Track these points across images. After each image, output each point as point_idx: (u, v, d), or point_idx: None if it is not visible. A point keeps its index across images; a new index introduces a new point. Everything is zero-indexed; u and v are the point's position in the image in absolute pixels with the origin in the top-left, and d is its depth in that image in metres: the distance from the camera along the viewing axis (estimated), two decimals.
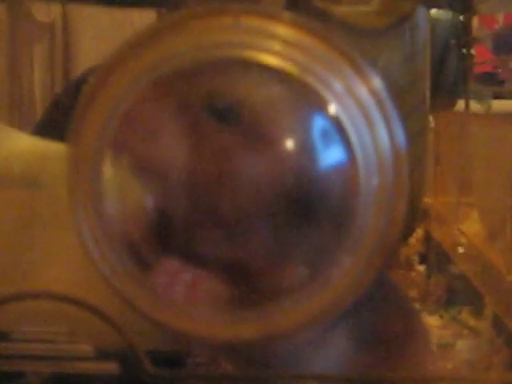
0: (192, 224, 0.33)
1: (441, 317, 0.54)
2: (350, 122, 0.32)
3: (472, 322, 0.53)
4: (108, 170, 0.32)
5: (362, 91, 0.33)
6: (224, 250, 0.33)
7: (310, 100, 0.32)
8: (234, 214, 0.32)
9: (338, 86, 0.32)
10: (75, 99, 0.57)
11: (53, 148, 0.44)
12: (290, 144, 0.32)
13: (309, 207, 0.32)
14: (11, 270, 0.40)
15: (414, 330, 0.42)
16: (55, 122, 0.59)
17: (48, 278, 0.40)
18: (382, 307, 0.39)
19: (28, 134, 0.46)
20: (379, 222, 0.32)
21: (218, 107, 0.32)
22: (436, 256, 0.64)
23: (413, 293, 0.62)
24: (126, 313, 0.35)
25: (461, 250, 0.60)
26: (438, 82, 0.56)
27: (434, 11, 0.54)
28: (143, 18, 0.70)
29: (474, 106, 0.64)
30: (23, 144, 0.45)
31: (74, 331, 0.36)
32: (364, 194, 0.32)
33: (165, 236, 0.33)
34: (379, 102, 0.33)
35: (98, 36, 0.95)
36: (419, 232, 0.67)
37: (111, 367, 0.35)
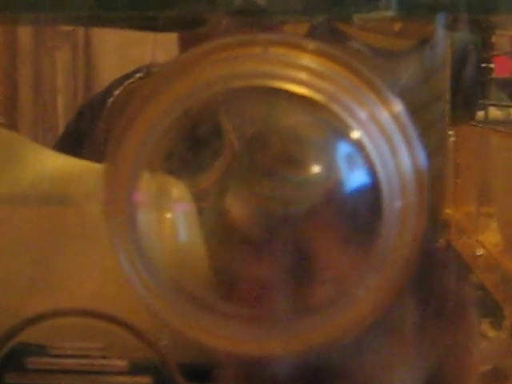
0: (225, 244, 0.34)
1: None
2: (373, 147, 0.34)
3: (492, 332, 0.54)
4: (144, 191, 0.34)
5: (385, 116, 0.34)
6: (254, 268, 0.34)
7: (335, 126, 0.34)
8: (264, 234, 0.34)
9: (361, 112, 0.34)
10: (99, 112, 0.59)
11: (81, 166, 0.46)
12: (316, 168, 0.34)
13: (335, 228, 0.34)
14: (40, 285, 0.41)
15: None
16: (78, 135, 0.60)
17: (76, 292, 0.41)
18: None
19: (55, 151, 0.47)
20: (402, 241, 0.34)
21: (248, 134, 0.33)
22: (456, 266, 0.65)
23: None
24: (156, 326, 0.36)
25: (478, 252, 0.61)
26: (457, 96, 0.57)
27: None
28: (165, 37, 0.72)
29: (494, 112, 0.65)
30: (52, 161, 0.47)
31: (108, 346, 0.37)
32: (387, 216, 0.34)
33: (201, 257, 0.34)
34: (401, 127, 0.35)
35: (121, 47, 0.96)
36: (439, 243, 0.68)
37: (144, 381, 0.37)
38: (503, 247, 0.57)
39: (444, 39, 0.52)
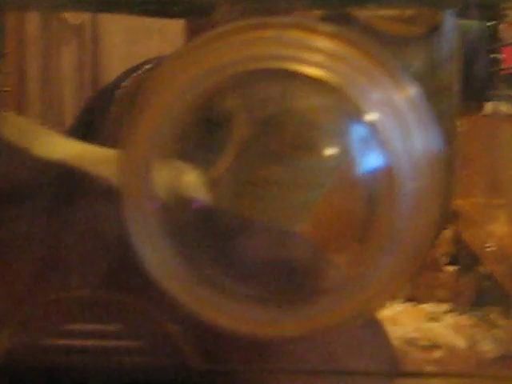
0: (242, 229, 0.34)
1: (470, 316, 0.55)
2: (386, 129, 0.34)
3: (501, 321, 0.54)
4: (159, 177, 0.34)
5: (399, 99, 0.35)
6: (270, 252, 0.34)
7: (349, 108, 0.34)
8: (281, 219, 0.34)
9: (376, 94, 0.34)
10: (108, 103, 0.59)
11: (93, 151, 0.46)
12: (331, 150, 0.34)
13: (348, 210, 0.34)
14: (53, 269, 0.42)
15: None
16: (88, 125, 0.61)
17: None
18: None
19: (75, 140, 0.47)
20: (416, 224, 0.34)
21: (261, 118, 0.33)
22: (465, 257, 0.65)
23: (442, 293, 0.63)
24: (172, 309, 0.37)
25: (487, 243, 0.61)
26: (466, 87, 0.57)
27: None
28: (172, 25, 0.72)
29: (503, 106, 0.65)
30: (64, 147, 0.47)
31: (123, 328, 0.37)
32: (401, 198, 0.34)
33: (216, 238, 0.34)
34: (415, 109, 0.35)
35: (127, 39, 0.97)
36: (447, 233, 0.68)
37: (158, 362, 0.37)
38: None
39: (453, 27, 0.52)
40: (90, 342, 0.37)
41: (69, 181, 0.38)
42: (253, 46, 0.34)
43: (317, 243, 0.35)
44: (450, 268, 0.65)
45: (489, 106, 0.63)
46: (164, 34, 0.83)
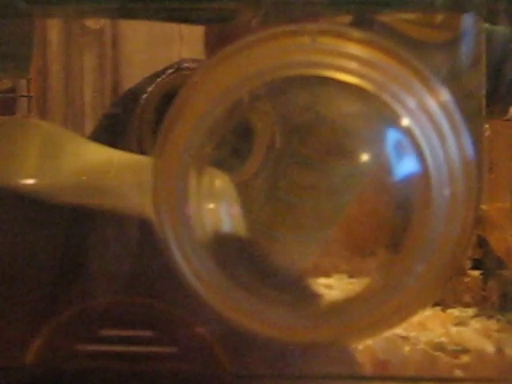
0: (273, 234, 0.34)
1: (498, 321, 0.55)
2: (421, 135, 0.34)
3: None
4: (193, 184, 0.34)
5: (433, 104, 0.35)
6: (304, 257, 0.34)
7: (384, 115, 0.34)
8: (312, 225, 0.34)
9: (410, 100, 0.34)
10: (132, 109, 0.59)
11: (120, 157, 0.46)
12: (366, 156, 0.34)
13: (383, 216, 0.34)
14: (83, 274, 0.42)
15: None
16: (111, 130, 0.61)
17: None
18: None
19: (102, 145, 0.48)
20: (451, 230, 0.34)
21: (295, 124, 0.33)
22: (490, 261, 0.65)
23: (467, 298, 0.63)
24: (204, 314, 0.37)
25: None
26: (492, 91, 0.57)
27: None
28: (192, 32, 0.72)
29: None
30: (91, 152, 0.47)
31: (157, 334, 0.37)
32: (436, 204, 0.34)
33: (246, 246, 0.34)
34: (448, 115, 0.35)
35: (147, 44, 0.97)
36: (472, 237, 0.67)
37: (192, 367, 0.37)
38: None
39: (480, 32, 0.52)
40: (122, 348, 0.37)
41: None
42: (287, 53, 0.34)
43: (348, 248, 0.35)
44: (475, 272, 0.65)
45: None
46: (184, 40, 0.83)
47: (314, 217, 0.37)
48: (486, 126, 0.60)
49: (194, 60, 0.62)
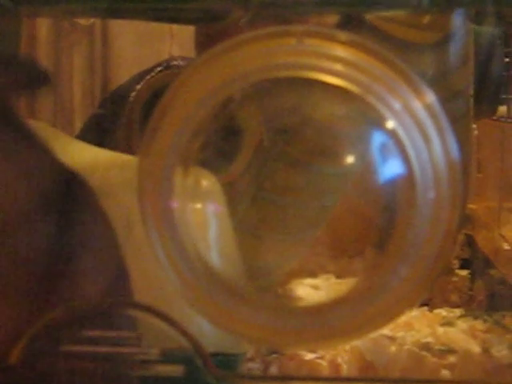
0: (259, 235, 0.34)
1: (484, 321, 0.55)
2: (406, 136, 0.34)
3: None
4: (178, 184, 0.34)
5: (418, 106, 0.35)
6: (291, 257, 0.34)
7: (369, 116, 0.34)
8: (298, 225, 0.34)
9: (395, 102, 0.34)
10: (121, 107, 0.59)
11: (108, 156, 0.46)
12: (351, 157, 0.34)
13: (369, 217, 0.34)
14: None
15: None
16: (100, 128, 0.61)
17: None
18: None
19: (90, 144, 0.47)
20: (436, 231, 0.34)
21: (281, 126, 0.33)
22: (478, 261, 0.65)
23: (454, 297, 0.63)
24: (189, 317, 0.37)
25: (500, 247, 0.61)
26: (480, 91, 0.57)
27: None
28: (182, 30, 0.72)
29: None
30: (79, 151, 0.47)
31: (142, 335, 0.37)
32: (421, 206, 0.34)
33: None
34: (434, 116, 0.35)
35: (137, 42, 0.97)
36: (459, 237, 0.68)
37: (176, 370, 0.37)
38: None
39: (467, 33, 0.52)
40: (105, 349, 0.37)
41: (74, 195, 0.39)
42: (273, 55, 0.34)
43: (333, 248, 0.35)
44: (463, 272, 0.65)
45: (501, 110, 0.63)
46: (174, 37, 0.83)
47: (301, 217, 0.37)
48: (474, 125, 0.60)
49: (183, 58, 0.62)
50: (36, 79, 0.40)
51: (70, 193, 0.39)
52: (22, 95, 0.51)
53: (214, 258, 0.40)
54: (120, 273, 0.40)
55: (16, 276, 0.38)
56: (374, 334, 0.38)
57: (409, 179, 0.34)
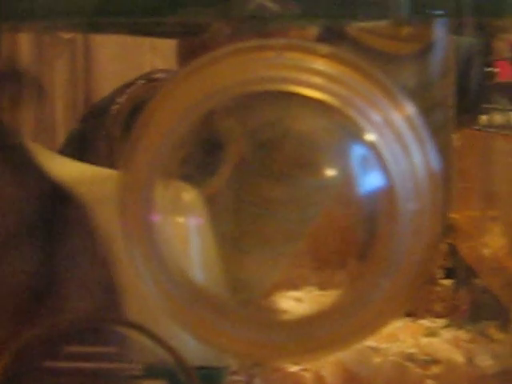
0: (241, 247, 0.34)
1: (468, 331, 0.55)
2: (386, 149, 0.34)
3: (498, 335, 0.54)
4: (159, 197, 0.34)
5: (398, 119, 0.35)
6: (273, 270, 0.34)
7: (349, 129, 0.34)
8: (280, 237, 0.34)
9: (375, 115, 0.34)
10: (102, 119, 0.59)
11: (91, 170, 0.46)
12: (332, 170, 0.34)
13: (351, 229, 0.34)
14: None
15: None
16: (81, 142, 0.61)
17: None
18: None
19: (71, 159, 0.47)
20: (417, 244, 0.34)
21: (261, 139, 0.33)
22: (461, 270, 0.65)
23: (438, 307, 0.63)
24: (172, 331, 0.37)
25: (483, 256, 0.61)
26: (461, 101, 0.58)
27: None
28: (164, 43, 0.72)
29: (497, 117, 0.66)
30: (61, 166, 0.47)
31: (125, 351, 0.37)
32: (402, 217, 0.34)
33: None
34: (413, 128, 0.35)
35: (119, 56, 0.97)
36: (442, 246, 0.68)
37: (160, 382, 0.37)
38: (508, 250, 0.58)
39: (448, 44, 0.53)
40: (88, 365, 0.37)
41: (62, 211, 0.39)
42: (254, 69, 0.34)
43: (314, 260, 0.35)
44: (446, 281, 0.65)
45: (483, 119, 0.63)
46: (156, 50, 0.83)
47: (282, 230, 0.37)
48: (456, 135, 0.60)
49: (165, 71, 0.62)
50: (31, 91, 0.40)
51: (58, 212, 0.39)
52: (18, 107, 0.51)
53: (196, 271, 0.39)
54: (111, 288, 0.40)
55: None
56: (357, 346, 0.38)
57: (389, 191, 0.34)
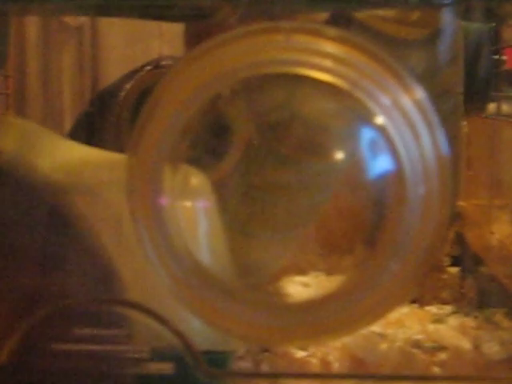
0: (249, 232, 0.34)
1: (475, 318, 0.55)
2: (396, 132, 0.34)
3: (506, 323, 0.54)
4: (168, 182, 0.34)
5: (407, 102, 0.35)
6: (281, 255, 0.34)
7: (358, 112, 0.34)
8: (288, 222, 0.34)
9: (384, 98, 0.34)
10: (110, 106, 0.59)
11: (96, 155, 0.46)
12: (341, 153, 0.34)
13: (359, 214, 0.34)
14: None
15: None
16: (89, 127, 0.61)
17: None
18: None
19: (79, 143, 0.47)
20: (426, 227, 0.34)
21: (269, 122, 0.33)
22: (468, 258, 0.65)
23: (445, 294, 0.63)
24: (180, 314, 0.37)
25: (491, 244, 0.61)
26: (469, 88, 0.57)
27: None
28: (172, 29, 0.71)
29: (506, 107, 0.65)
30: (68, 150, 0.47)
31: (132, 333, 0.37)
32: (411, 201, 0.34)
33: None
34: (423, 112, 0.35)
35: (127, 42, 0.96)
36: (449, 234, 0.68)
37: (167, 367, 0.37)
38: None
39: (456, 30, 0.52)
40: (96, 347, 0.37)
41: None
42: (262, 51, 0.34)
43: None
44: (453, 269, 0.65)
45: (491, 107, 0.63)
46: (163, 36, 0.83)
47: (291, 214, 0.37)
48: (464, 123, 0.60)
49: (172, 57, 0.62)
50: None
51: (54, 220, 0.39)
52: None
53: (204, 255, 0.39)
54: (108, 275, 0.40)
55: (7, 275, 0.38)
56: (364, 331, 0.38)
57: (398, 175, 0.34)
